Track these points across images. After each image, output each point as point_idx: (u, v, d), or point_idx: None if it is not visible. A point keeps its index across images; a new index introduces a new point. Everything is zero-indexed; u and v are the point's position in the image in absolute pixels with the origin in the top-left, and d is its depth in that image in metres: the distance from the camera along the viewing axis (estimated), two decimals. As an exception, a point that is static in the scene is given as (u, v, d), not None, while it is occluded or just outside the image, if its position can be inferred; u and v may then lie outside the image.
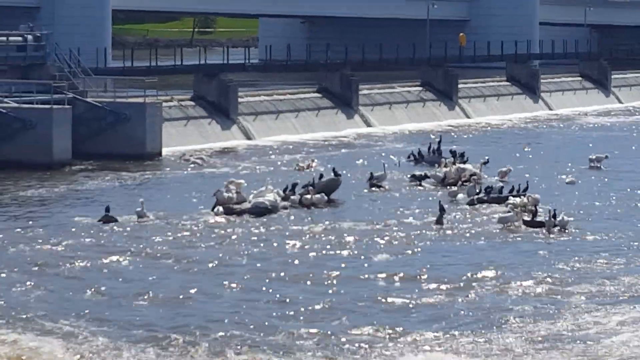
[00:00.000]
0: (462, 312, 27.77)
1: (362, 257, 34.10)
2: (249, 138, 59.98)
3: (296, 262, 33.30)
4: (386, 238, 36.27)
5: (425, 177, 47.77)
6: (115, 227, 37.19)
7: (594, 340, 25.03)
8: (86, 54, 63.41)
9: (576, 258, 33.46)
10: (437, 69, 76.89)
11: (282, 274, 31.63)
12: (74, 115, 51.17)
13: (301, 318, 27.13)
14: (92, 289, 29.66)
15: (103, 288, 29.79)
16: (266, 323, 26.51)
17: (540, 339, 25.24)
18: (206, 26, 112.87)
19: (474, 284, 30.76)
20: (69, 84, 54.25)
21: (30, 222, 38.44)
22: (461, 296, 29.39)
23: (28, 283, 29.92)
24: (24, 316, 26.10)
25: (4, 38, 58.92)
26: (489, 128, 69.55)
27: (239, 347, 24.41)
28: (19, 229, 37.26)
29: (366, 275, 31.73)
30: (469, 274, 31.65)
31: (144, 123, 53.54)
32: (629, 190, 46.32)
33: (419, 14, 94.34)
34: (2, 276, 30.85)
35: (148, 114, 53.87)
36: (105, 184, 46.24)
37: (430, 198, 43.18)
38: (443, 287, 30.15)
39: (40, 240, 35.11)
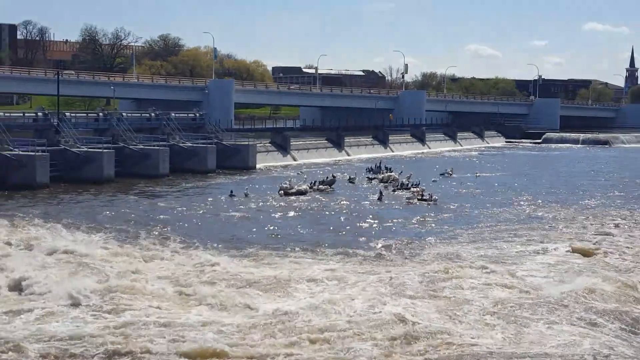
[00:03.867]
0: (387, 236, 28.10)
1: (344, 211, 34.24)
2: (295, 160, 59.91)
3: (316, 214, 33.40)
4: (355, 206, 36.45)
5: (374, 178, 47.84)
6: (235, 199, 37.14)
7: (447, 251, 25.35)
8: (222, 122, 64.21)
9: (441, 214, 33.79)
10: (379, 130, 76.85)
11: (307, 218, 32.08)
12: (217, 150, 51.21)
13: (318, 234, 28.05)
14: (228, 223, 30.44)
15: (232, 224, 30.27)
16: (306, 235, 27.63)
17: (418, 249, 25.85)
18: (276, 110, 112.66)
19: (394, 222, 31.11)
20: (215, 135, 54.49)
21: (197, 197, 38.29)
22: (389, 229, 29.73)
23: (201, 224, 30.25)
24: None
25: (185, 114, 58.93)
26: (402, 157, 69.02)
27: (300, 246, 25.27)
28: (192, 199, 37.32)
29: (345, 218, 32.24)
30: (391, 220, 31.72)
31: (248, 153, 53.35)
32: (464, 184, 46.37)
33: (372, 105, 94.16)
34: (195, 225, 30.43)
35: (250, 149, 53.75)
36: (230, 180, 46.02)
37: (375, 188, 43.08)
38: (379, 226, 30.51)
39: (202, 205, 35.14)
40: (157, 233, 27.06)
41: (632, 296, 18.88)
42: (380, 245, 25.98)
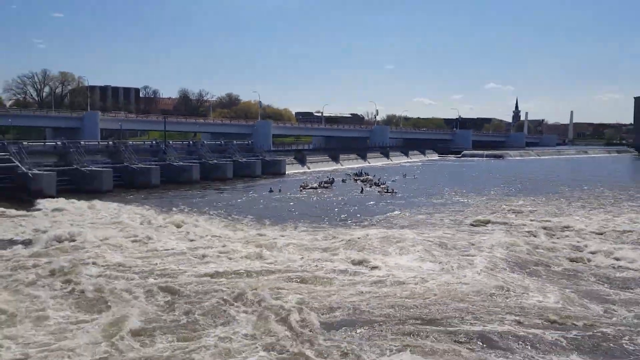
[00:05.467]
0: (365, 213, 27.87)
1: (340, 200, 33.71)
2: (309, 169, 59.21)
3: (323, 201, 32.97)
4: (347, 196, 36.22)
5: (358, 179, 47.31)
6: (272, 194, 35.92)
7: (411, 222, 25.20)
8: (264, 146, 63.75)
9: (399, 201, 33.46)
10: (361, 150, 76.63)
11: (318, 205, 31.46)
12: (262, 163, 50.80)
13: (328, 213, 27.70)
14: (266, 207, 29.65)
15: (271, 208, 29.36)
16: (318, 213, 27.27)
17: (386, 222, 25.57)
18: (297, 138, 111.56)
19: (371, 205, 31.10)
20: (260, 154, 54.29)
21: (250, 191, 37.91)
22: (367, 210, 29.39)
23: (252, 210, 28.37)
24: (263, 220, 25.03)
25: (242, 142, 58.30)
26: (377, 167, 68.08)
27: (323, 222, 24.74)
28: (247, 193, 36.62)
29: (341, 205, 31.33)
30: (369, 204, 31.65)
31: (281, 165, 52.90)
32: (418, 183, 45.91)
33: (356, 135, 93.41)
34: (251, 210, 29.42)
35: (282, 162, 53.42)
36: (270, 182, 44.88)
37: (359, 185, 42.74)
38: (361, 207, 30.40)
39: (250, 196, 34.77)
40: (249, 215, 26.24)
41: (519, 248, 19.55)
42: (367, 218, 26.20)
